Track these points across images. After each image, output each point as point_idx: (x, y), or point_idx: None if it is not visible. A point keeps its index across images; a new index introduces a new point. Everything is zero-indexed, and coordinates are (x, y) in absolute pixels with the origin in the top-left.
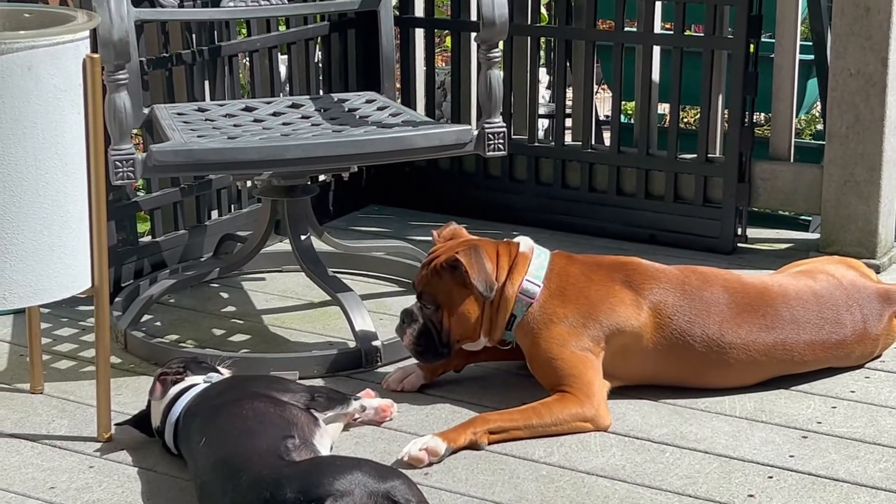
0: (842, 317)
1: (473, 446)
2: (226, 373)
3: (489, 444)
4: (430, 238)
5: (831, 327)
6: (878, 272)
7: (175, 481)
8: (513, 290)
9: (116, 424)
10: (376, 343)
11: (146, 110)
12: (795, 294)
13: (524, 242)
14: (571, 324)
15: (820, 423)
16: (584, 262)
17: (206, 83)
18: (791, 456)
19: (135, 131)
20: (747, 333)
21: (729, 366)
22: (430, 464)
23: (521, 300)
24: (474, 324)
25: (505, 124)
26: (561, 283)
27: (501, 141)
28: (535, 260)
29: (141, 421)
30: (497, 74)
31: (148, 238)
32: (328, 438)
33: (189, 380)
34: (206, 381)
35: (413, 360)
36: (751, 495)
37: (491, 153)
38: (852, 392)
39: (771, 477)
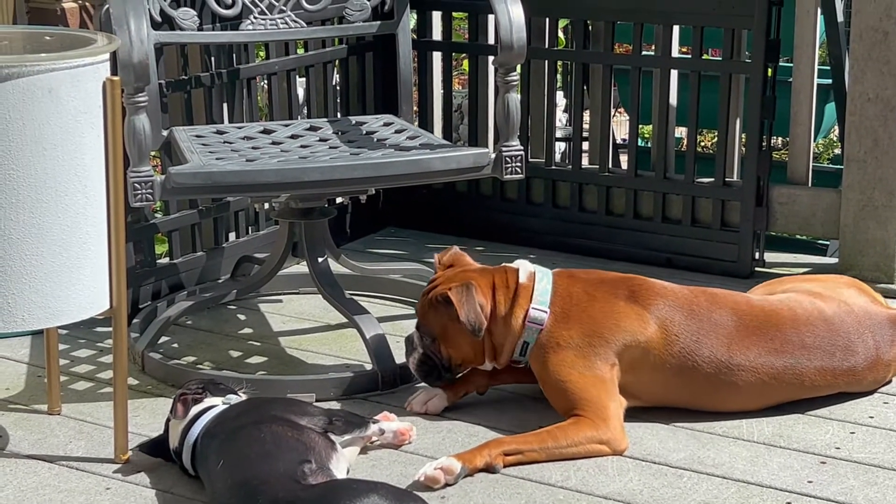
0: (853, 343)
1: (489, 468)
2: (244, 396)
3: (505, 466)
4: None
5: (842, 354)
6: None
7: (192, 503)
8: (518, 320)
9: (134, 448)
10: (393, 366)
11: (165, 132)
12: (805, 319)
13: (523, 269)
14: (577, 345)
15: (839, 448)
16: (586, 281)
17: (225, 105)
18: (809, 482)
19: (153, 153)
20: (756, 356)
21: (738, 388)
22: (447, 484)
23: (531, 328)
24: (473, 354)
25: (522, 147)
26: (564, 305)
27: (519, 164)
28: (538, 285)
29: (157, 446)
30: (515, 98)
31: (166, 260)
32: (345, 462)
33: (208, 401)
34: (224, 403)
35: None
36: None
37: (508, 176)
38: (871, 417)
39: (789, 503)
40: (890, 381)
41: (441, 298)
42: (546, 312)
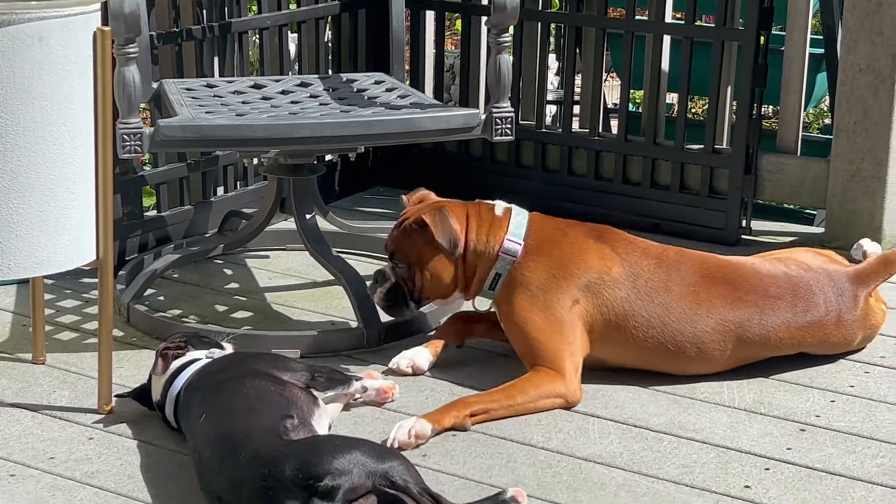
0: (815, 296)
1: (458, 428)
2: (228, 348)
3: (473, 424)
4: None
5: (805, 305)
6: None
7: (174, 455)
8: (493, 249)
9: (117, 396)
10: (378, 324)
11: (155, 85)
12: (768, 272)
13: (500, 205)
14: (543, 279)
15: (818, 416)
16: (561, 221)
17: (216, 59)
18: (788, 448)
19: (142, 106)
20: (722, 306)
21: (704, 343)
22: (418, 446)
23: (504, 259)
24: (446, 281)
25: (513, 109)
26: (537, 238)
27: (509, 126)
28: (514, 219)
29: (142, 394)
30: (507, 59)
31: (153, 212)
32: (327, 418)
33: (190, 354)
34: (207, 357)
35: (420, 344)
36: (747, 486)
37: (498, 138)
38: (851, 387)
39: (768, 469)
40: (861, 349)
41: (416, 222)
42: (520, 244)
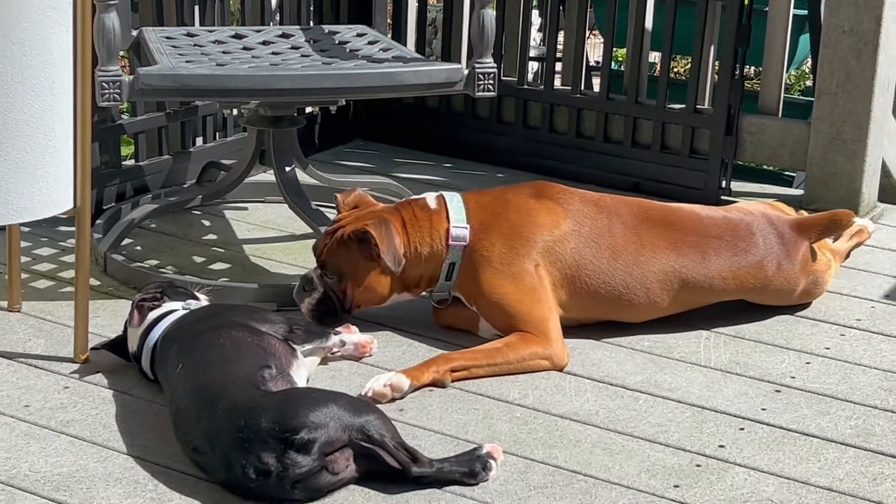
0: (755, 237)
1: (437, 384)
2: (204, 300)
3: (452, 381)
4: (415, 176)
5: (746, 245)
6: None
7: (150, 405)
8: (440, 244)
9: (93, 348)
10: None
11: (135, 32)
12: (706, 215)
13: (430, 197)
14: (501, 252)
15: (793, 377)
16: (494, 191)
17: (196, 8)
18: (763, 409)
19: (121, 53)
20: (665, 246)
21: (648, 285)
22: (393, 399)
23: (455, 247)
24: (382, 293)
25: (496, 65)
26: (479, 217)
27: (491, 82)
28: (451, 206)
29: (117, 345)
30: (490, 14)
31: (131, 161)
32: (305, 370)
33: (167, 305)
34: (184, 308)
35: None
36: (721, 446)
37: (480, 94)
38: (827, 349)
39: (742, 429)
40: (807, 305)
41: (358, 235)
42: (466, 228)
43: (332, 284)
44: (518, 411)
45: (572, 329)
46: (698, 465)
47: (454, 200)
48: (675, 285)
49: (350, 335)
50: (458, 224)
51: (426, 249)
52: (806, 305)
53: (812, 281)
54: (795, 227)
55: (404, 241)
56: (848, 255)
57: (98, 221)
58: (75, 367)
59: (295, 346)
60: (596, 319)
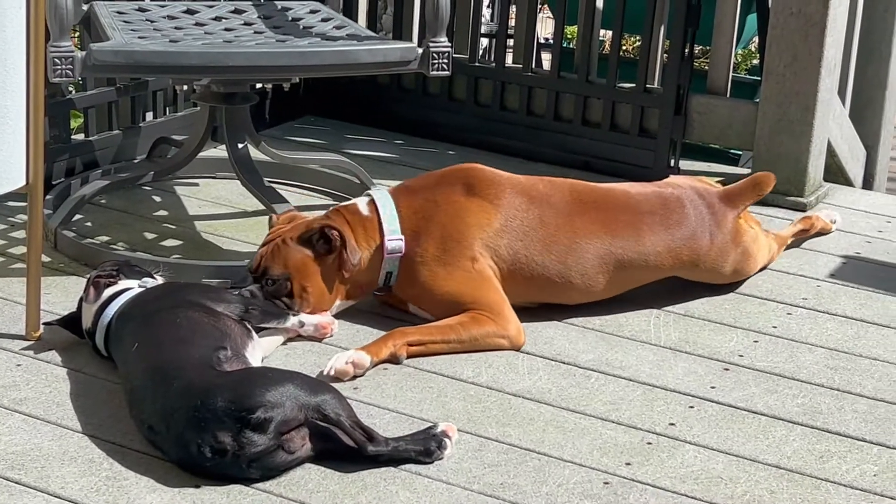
0: (685, 209)
1: (394, 359)
2: (160, 279)
3: (408, 356)
4: (366, 153)
5: (678, 218)
6: (804, 210)
7: (104, 383)
8: (375, 255)
9: (45, 324)
10: None
11: (85, 7)
12: (638, 191)
13: (361, 203)
14: (437, 257)
15: (742, 356)
16: (424, 189)
17: None
18: (712, 387)
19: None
20: (598, 230)
21: (585, 268)
22: (356, 376)
23: (391, 259)
24: (328, 295)
25: (450, 44)
26: (412, 224)
27: (446, 61)
28: (384, 214)
29: (71, 322)
30: None
31: (81, 136)
32: (260, 351)
33: (122, 283)
34: (140, 286)
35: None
36: (672, 424)
37: (435, 73)
38: (774, 327)
39: (692, 407)
40: (740, 283)
41: (321, 231)
42: (401, 239)
43: (275, 290)
44: (472, 389)
45: (523, 308)
46: (649, 443)
47: (386, 207)
48: (611, 267)
49: (309, 316)
50: (393, 236)
51: (364, 256)
52: (744, 284)
53: (742, 252)
54: (723, 198)
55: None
56: (793, 243)
57: (48, 197)
58: (28, 344)
59: (251, 327)
60: (537, 303)
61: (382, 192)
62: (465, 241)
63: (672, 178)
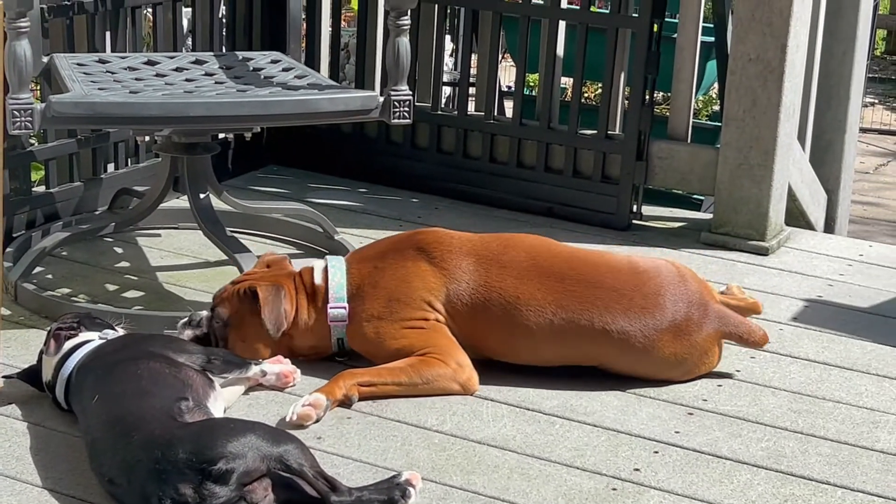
0: (660, 299)
1: (347, 400)
2: (121, 331)
3: (360, 397)
4: (329, 201)
5: (643, 301)
6: (766, 254)
7: (65, 437)
8: (322, 324)
9: (5, 377)
10: None
11: (45, 59)
12: (606, 264)
13: (317, 268)
14: (382, 314)
15: (706, 400)
16: (374, 256)
17: (108, 34)
18: (677, 432)
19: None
20: (543, 298)
21: (530, 331)
22: (318, 420)
23: (336, 327)
24: (260, 351)
25: (411, 92)
26: (358, 290)
27: (407, 109)
28: (332, 281)
29: (31, 375)
30: (405, 42)
31: (42, 188)
32: (222, 401)
33: (83, 335)
34: (101, 338)
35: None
36: (636, 469)
37: (396, 121)
38: (737, 371)
39: (657, 452)
40: (697, 377)
41: (249, 291)
42: (345, 308)
43: (217, 329)
44: (436, 437)
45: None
46: (614, 489)
47: (337, 273)
48: (556, 338)
49: (271, 365)
50: (336, 304)
51: (311, 323)
52: None
53: (693, 367)
54: (714, 312)
55: (294, 311)
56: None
57: (8, 249)
58: None
59: (212, 377)
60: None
61: (338, 259)
62: (413, 302)
63: (679, 266)
